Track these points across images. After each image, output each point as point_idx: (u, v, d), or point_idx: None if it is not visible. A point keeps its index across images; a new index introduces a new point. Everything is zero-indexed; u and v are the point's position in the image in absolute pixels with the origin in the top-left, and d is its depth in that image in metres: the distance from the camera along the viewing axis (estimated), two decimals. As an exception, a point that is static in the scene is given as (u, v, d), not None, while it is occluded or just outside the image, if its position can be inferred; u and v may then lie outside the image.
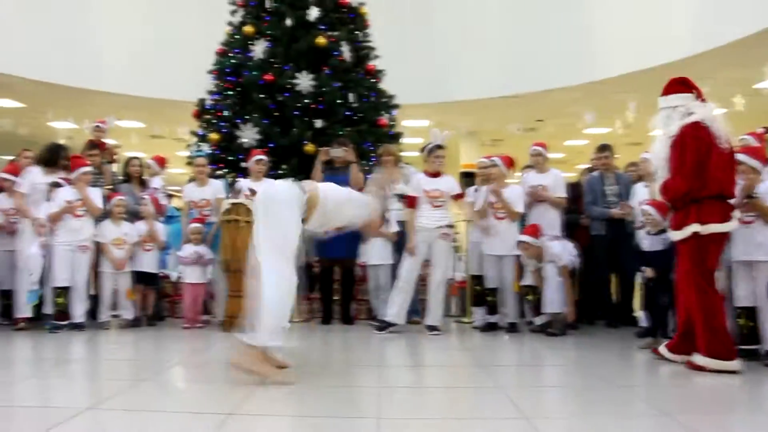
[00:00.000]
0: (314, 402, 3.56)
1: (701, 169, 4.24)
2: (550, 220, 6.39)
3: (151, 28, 12.06)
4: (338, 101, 7.79)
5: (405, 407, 3.53)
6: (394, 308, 6.18)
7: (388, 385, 4.07)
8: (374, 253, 6.75)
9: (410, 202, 6.23)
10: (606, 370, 4.52)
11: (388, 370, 4.78)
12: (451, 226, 6.34)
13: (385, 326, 6.18)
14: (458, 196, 6.37)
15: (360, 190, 6.91)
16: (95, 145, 7.23)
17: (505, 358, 5.29)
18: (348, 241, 6.67)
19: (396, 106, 8.44)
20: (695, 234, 4.24)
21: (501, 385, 4.03)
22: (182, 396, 3.95)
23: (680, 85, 4.51)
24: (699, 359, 4.26)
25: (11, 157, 7.29)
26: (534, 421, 3.10)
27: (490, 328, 6.37)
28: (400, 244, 6.48)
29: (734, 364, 4.18)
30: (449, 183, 6.31)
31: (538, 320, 6.18)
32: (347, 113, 7.90)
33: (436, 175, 6.26)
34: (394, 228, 6.63)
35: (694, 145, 4.26)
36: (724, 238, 4.37)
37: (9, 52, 11.03)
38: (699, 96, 4.47)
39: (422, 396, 3.91)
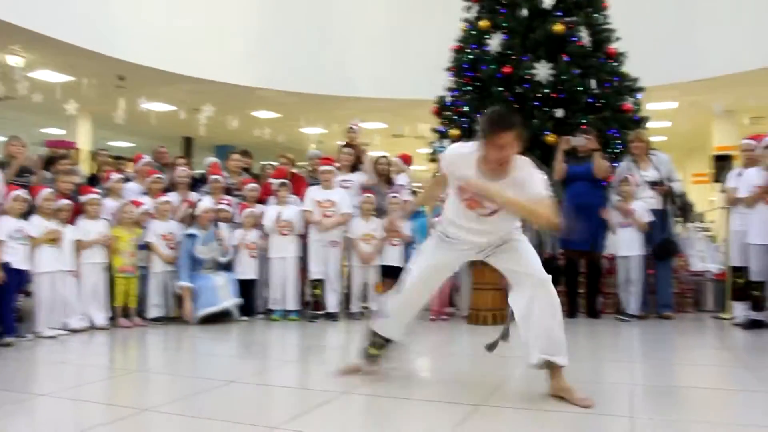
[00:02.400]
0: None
1: None
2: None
3: (387, 32, 12.73)
4: (578, 89, 7.52)
5: (659, 407, 3.32)
6: None
7: (639, 383, 3.85)
8: (623, 244, 6.50)
9: None
10: None
11: (638, 365, 4.53)
12: None
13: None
14: None
15: (605, 178, 6.71)
16: (350, 146, 7.72)
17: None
18: (593, 232, 6.50)
19: (641, 89, 7.96)
20: None
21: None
22: (427, 386, 4.06)
23: None
24: None
25: (274, 162, 8.02)
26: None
27: (754, 325, 5.76)
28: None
29: None
30: None
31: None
32: (589, 100, 7.60)
33: None
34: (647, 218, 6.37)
35: None
36: None
37: (266, 69, 12.39)
38: None
39: (677, 396, 3.65)
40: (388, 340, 3.97)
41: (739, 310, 6.07)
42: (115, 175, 6.88)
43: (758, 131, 6.94)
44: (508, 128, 3.19)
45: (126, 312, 6.36)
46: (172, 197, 7.03)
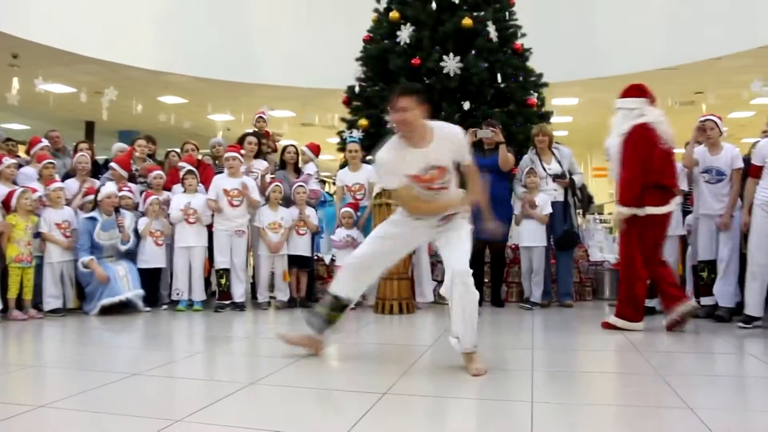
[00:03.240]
0: (464, 384, 3.55)
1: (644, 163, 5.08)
2: None
3: (298, 20, 12.65)
4: (486, 82, 7.69)
5: (558, 392, 3.45)
6: None
7: (540, 369, 3.99)
8: (527, 235, 6.68)
9: None
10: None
11: (539, 351, 4.69)
12: None
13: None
14: None
15: (509, 171, 6.88)
16: (260, 134, 7.60)
17: None
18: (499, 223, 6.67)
19: (545, 85, 8.22)
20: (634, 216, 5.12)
21: None
22: (336, 375, 4.08)
23: (637, 90, 5.30)
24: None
25: (178, 149, 7.84)
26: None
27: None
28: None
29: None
30: None
31: None
32: (495, 94, 7.79)
33: None
34: (548, 210, 6.58)
35: (641, 143, 5.11)
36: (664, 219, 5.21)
37: (173, 54, 12.05)
38: (651, 101, 5.27)
39: (576, 381, 3.81)
40: (344, 306, 4.11)
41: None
42: (8, 159, 6.53)
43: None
44: (406, 93, 3.55)
45: (20, 304, 6.06)
46: (71, 184, 6.74)
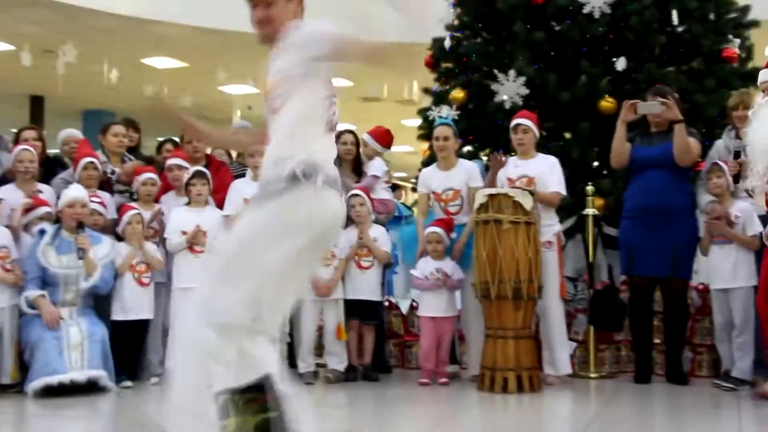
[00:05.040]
0: None
1: None
2: None
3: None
4: (652, 25, 7.50)
5: None
6: None
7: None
8: (721, 270, 6.45)
9: None
10: None
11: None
12: None
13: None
14: None
15: (693, 166, 6.63)
16: None
17: None
18: (674, 248, 6.45)
19: (753, 24, 7.94)
20: None
21: None
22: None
23: None
24: None
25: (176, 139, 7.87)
26: None
27: None
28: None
29: None
30: None
31: None
32: (667, 44, 7.58)
33: None
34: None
35: None
36: None
37: None
38: None
39: None
40: None
41: None
42: None
43: None
44: None
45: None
46: (10, 192, 6.80)
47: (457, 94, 8.04)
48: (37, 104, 17.14)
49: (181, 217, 6.79)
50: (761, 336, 5.45)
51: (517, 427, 5.37)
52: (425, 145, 8.20)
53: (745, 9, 7.96)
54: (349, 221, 6.87)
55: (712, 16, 7.82)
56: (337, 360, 6.79)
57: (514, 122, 6.83)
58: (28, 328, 6.30)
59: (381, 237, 6.97)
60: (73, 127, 8.53)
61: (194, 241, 6.67)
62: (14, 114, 13.69)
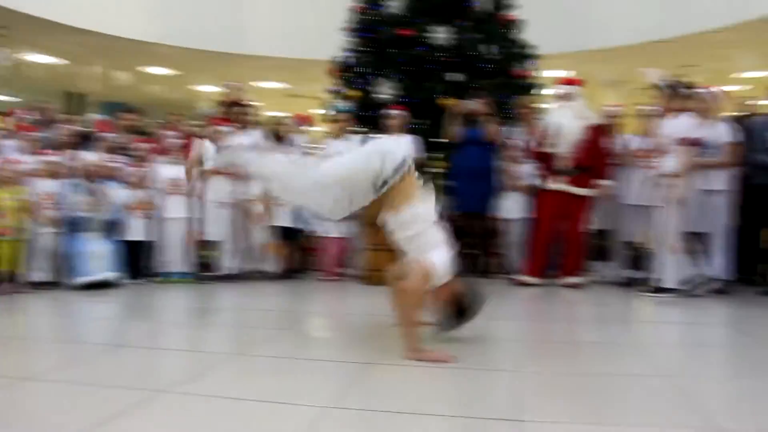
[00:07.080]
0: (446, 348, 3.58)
1: None
2: None
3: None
4: (474, 54, 7.65)
5: (540, 361, 3.48)
6: None
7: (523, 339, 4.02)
8: (509, 207, 6.74)
9: None
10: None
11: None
12: None
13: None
14: None
15: (496, 143, 6.86)
16: (235, 104, 7.51)
17: None
18: (484, 195, 6.70)
19: (535, 56, 8.16)
20: None
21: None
22: (321, 346, 4.11)
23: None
24: None
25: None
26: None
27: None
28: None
29: None
30: None
31: None
32: (483, 66, 7.73)
33: None
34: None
35: None
36: None
37: (163, 24, 11.98)
38: None
39: (557, 350, 3.85)
40: None
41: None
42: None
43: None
44: None
45: (1, 277, 5.97)
46: (57, 156, 6.65)
47: (353, 93, 8.10)
48: (69, 98, 16.66)
49: (165, 170, 6.75)
50: None
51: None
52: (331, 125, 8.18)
53: (531, 46, 8.09)
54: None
55: (511, 50, 7.97)
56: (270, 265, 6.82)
57: (387, 112, 6.97)
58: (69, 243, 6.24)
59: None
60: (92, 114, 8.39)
61: (173, 186, 6.66)
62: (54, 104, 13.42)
